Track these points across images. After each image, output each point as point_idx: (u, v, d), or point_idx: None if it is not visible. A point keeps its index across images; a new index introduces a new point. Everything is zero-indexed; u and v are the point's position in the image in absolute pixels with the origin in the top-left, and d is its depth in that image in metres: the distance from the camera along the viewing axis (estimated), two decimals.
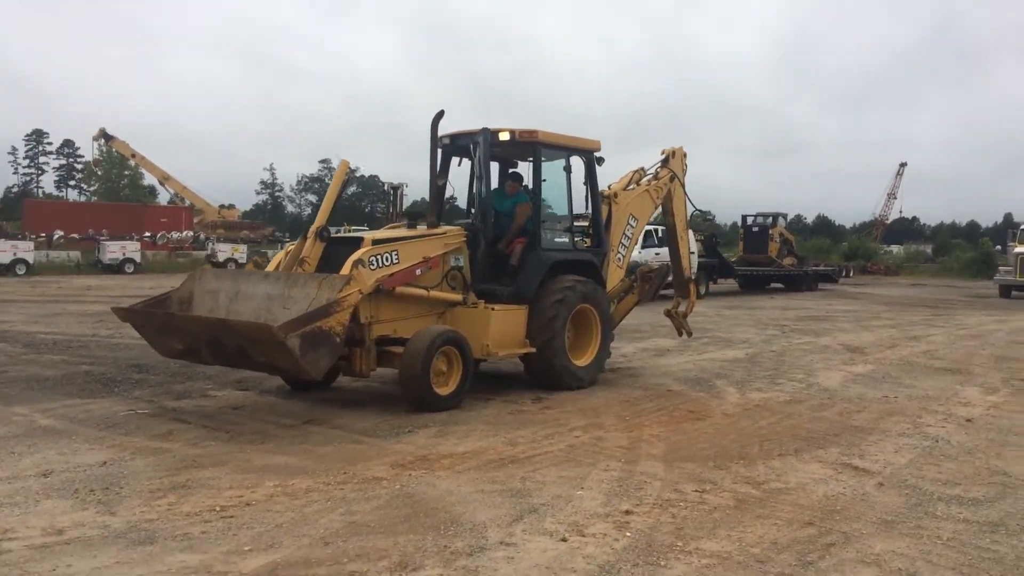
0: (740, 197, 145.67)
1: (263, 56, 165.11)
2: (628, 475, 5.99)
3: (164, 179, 69.72)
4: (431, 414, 7.78)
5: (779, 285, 32.72)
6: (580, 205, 10.41)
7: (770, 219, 33.36)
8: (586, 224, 11.06)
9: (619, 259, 10.85)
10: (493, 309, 8.78)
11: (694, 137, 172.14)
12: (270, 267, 8.47)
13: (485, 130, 9.03)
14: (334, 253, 8.15)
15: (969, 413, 8.44)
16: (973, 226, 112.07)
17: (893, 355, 12.88)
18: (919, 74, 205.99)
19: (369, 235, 8.25)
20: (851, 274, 49.46)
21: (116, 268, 34.43)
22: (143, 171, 68.11)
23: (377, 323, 8.15)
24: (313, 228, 8.21)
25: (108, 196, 71.47)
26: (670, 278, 11.64)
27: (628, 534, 4.78)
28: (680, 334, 12.14)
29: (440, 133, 9.82)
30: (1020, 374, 11.08)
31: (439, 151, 9.97)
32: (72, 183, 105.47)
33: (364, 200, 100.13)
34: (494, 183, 10.95)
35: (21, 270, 31.76)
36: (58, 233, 39.27)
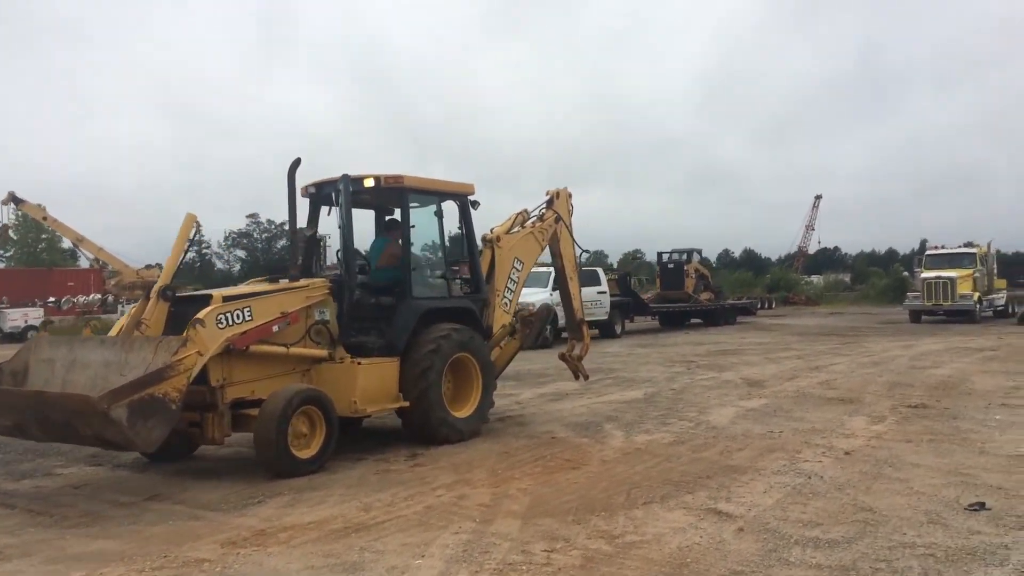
0: (672, 233, 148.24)
1: (192, 112, 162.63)
2: (478, 537, 5.61)
3: (78, 241, 67.58)
4: (290, 480, 7.31)
5: (698, 320, 32.90)
6: (459, 251, 10.17)
7: (685, 255, 33.65)
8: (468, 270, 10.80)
9: (505, 304, 10.55)
10: (359, 363, 8.38)
11: (628, 173, 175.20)
12: (112, 331, 7.95)
13: (345, 176, 8.71)
14: (182, 313, 7.67)
15: (850, 445, 8.29)
16: (892, 253, 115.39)
17: (791, 387, 12.80)
18: (839, 105, 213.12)
19: (218, 292, 7.79)
20: (773, 306, 50.31)
21: (19, 336, 32.97)
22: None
23: (231, 385, 7.68)
24: (156, 287, 7.73)
25: (26, 261, 68.99)
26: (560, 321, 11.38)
27: None
28: (577, 378, 11.86)
29: (309, 181, 9.53)
30: (909, 400, 11.06)
31: (308, 201, 9.67)
32: None
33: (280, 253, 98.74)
34: (372, 233, 10.70)
35: None
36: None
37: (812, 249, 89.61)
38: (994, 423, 9.29)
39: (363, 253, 9.68)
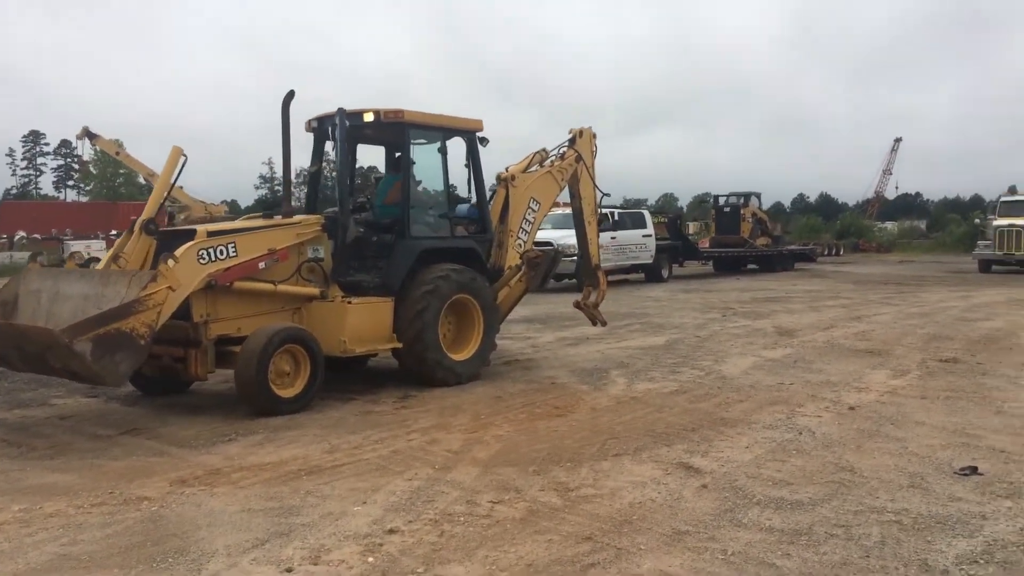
0: (746, 178, 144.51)
1: (266, 51, 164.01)
2: (429, 485, 5.43)
3: (150, 176, 69.35)
4: (268, 419, 7.24)
5: (755, 266, 32.03)
6: (466, 189, 9.87)
7: (742, 199, 32.63)
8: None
9: (520, 244, 10.24)
10: (350, 302, 8.21)
11: (702, 116, 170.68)
12: (101, 264, 7.91)
13: (340, 111, 8.43)
14: (169, 247, 7.56)
15: (858, 400, 7.85)
16: (976, 200, 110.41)
17: (822, 337, 12.26)
18: (929, 46, 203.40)
19: (203, 227, 7.67)
20: (841, 252, 48.72)
21: (82, 267, 33.90)
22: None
23: (215, 321, 7.60)
24: (139, 220, 7.64)
25: (105, 196, 71.04)
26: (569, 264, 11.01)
27: (370, 559, 4.22)
28: (594, 323, 11.48)
29: (313, 116, 9.34)
30: (942, 354, 10.46)
31: (312, 136, 9.46)
32: (71, 184, 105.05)
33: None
34: (383, 169, 10.47)
35: None
36: (20, 234, 38.74)
37: (891, 194, 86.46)
38: None
39: (364, 190, 9.46)
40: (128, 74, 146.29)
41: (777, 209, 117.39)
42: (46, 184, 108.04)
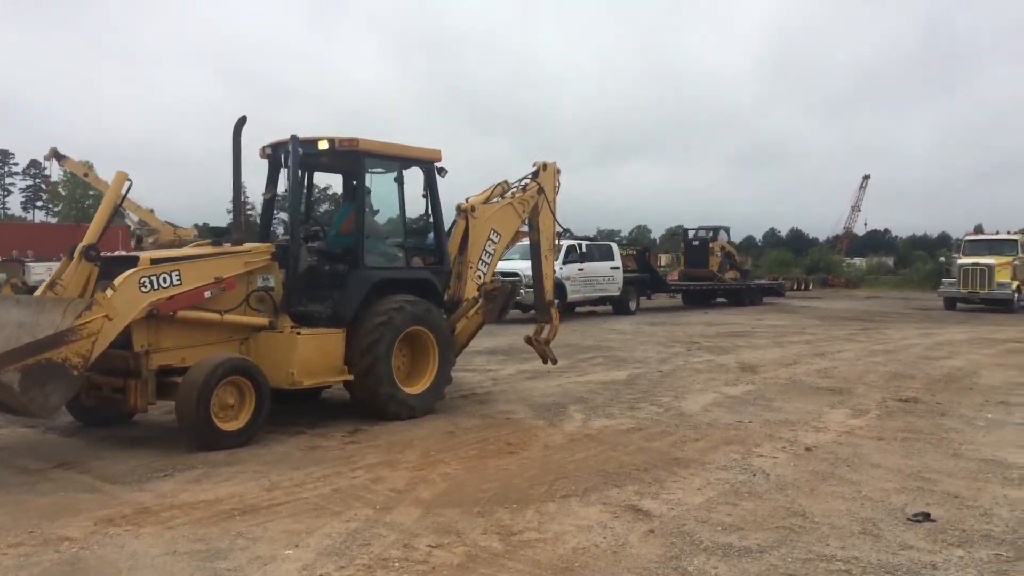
0: (718, 210, 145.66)
1: (245, 73, 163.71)
2: (367, 527, 5.21)
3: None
4: (208, 453, 6.98)
5: (723, 299, 32.09)
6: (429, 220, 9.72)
7: (711, 232, 32.74)
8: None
9: (479, 276, 10.09)
10: (299, 333, 8.00)
11: (679, 147, 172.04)
12: (38, 291, 7.65)
13: (293, 138, 8.27)
14: (111, 274, 7.32)
15: (816, 440, 7.73)
16: (944, 238, 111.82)
17: (784, 374, 12.18)
18: (903, 82, 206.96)
19: (147, 254, 7.44)
20: (810, 287, 49.07)
21: (22, 292, 33.20)
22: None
23: (157, 351, 7.35)
24: (80, 246, 7.40)
25: (75, 217, 70.10)
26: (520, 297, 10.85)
27: None
28: (545, 362, 11.06)
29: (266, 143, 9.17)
30: (902, 393, 10.40)
31: (267, 162, 9.28)
32: (39, 204, 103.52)
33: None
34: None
35: None
36: (14, 253, 37.88)
37: (860, 231, 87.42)
38: (983, 422, 8.64)
39: (319, 219, 9.28)
40: (103, 94, 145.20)
41: (748, 243, 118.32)
42: (14, 204, 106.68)
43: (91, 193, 73.52)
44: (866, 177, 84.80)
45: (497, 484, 6.21)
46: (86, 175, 43.69)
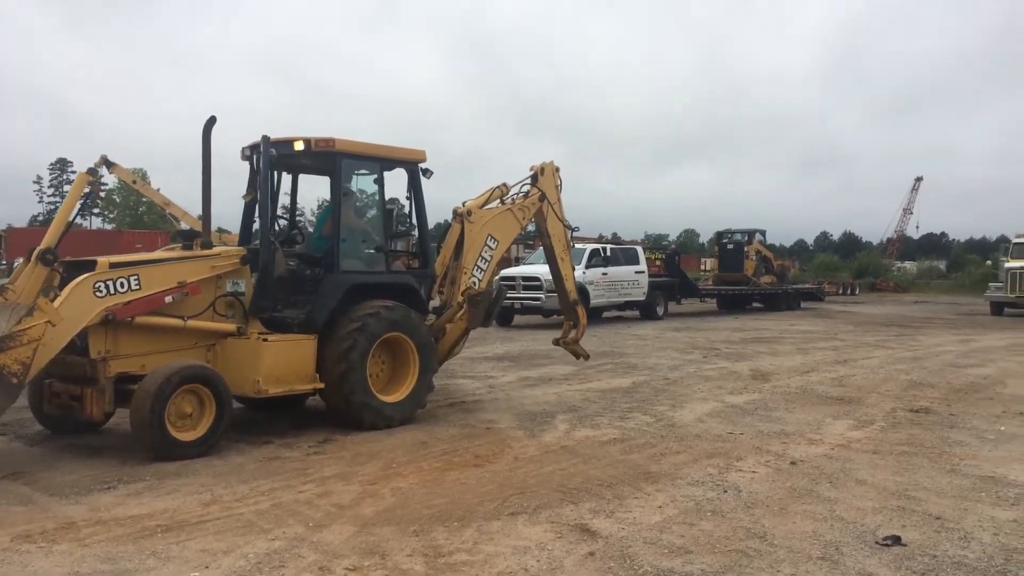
0: (773, 213, 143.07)
1: (298, 76, 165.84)
2: (290, 546, 4.91)
3: (165, 204, 70.19)
4: (161, 464, 6.75)
5: (760, 304, 31.30)
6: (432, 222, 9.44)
7: (745, 236, 31.98)
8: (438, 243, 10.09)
9: (475, 282, 9.77)
10: (265, 340, 7.75)
11: (733, 151, 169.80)
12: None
13: (265, 138, 8.05)
14: (71, 279, 7.15)
15: (805, 453, 7.25)
16: (1002, 241, 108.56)
17: (797, 382, 11.64)
18: (966, 83, 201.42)
19: (106, 258, 7.25)
20: (856, 291, 47.83)
21: None
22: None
23: (116, 358, 7.15)
24: (37, 250, 7.24)
25: (129, 224, 71.65)
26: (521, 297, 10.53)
27: None
28: (577, 358, 11.27)
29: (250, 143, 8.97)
30: (916, 403, 9.82)
31: (248, 164, 9.07)
32: (96, 211, 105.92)
33: None
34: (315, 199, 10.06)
35: None
36: (19, 260, 38.64)
37: (913, 233, 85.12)
38: (993, 435, 8.07)
39: (300, 221, 9.06)
40: (158, 100, 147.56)
41: (800, 247, 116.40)
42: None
43: (144, 200, 75.01)
44: (918, 179, 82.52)
45: (447, 500, 5.87)
46: (134, 183, 44.01)
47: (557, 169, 10.97)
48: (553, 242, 10.85)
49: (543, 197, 10.53)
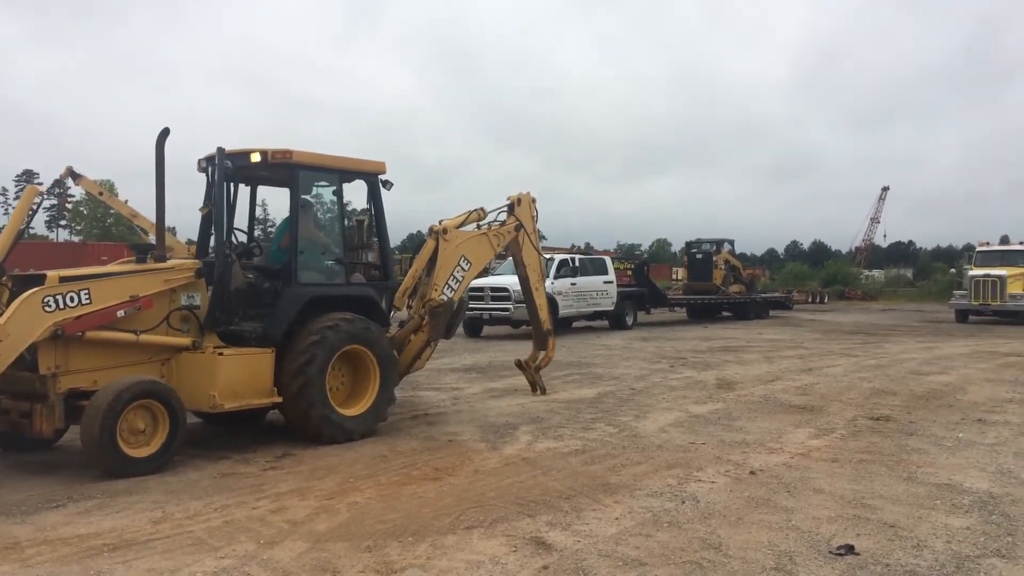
0: (743, 222, 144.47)
1: (272, 87, 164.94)
2: (239, 565, 4.82)
3: (132, 216, 69.40)
4: (113, 482, 6.62)
5: (729, 313, 31.46)
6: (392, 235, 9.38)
7: (714, 246, 32.15)
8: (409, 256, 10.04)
9: (443, 300, 9.69)
10: (220, 354, 7.64)
11: (706, 159, 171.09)
12: None
13: (220, 150, 7.96)
14: (20, 294, 7.00)
15: (765, 463, 7.26)
16: (969, 249, 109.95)
17: (760, 391, 11.67)
18: (935, 94, 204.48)
19: (56, 272, 7.12)
20: (825, 300, 48.27)
21: None
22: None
23: (67, 374, 7.02)
24: None
25: (97, 236, 70.68)
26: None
27: None
28: (534, 390, 11.26)
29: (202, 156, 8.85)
30: (877, 411, 9.88)
31: (205, 177, 8.96)
32: (63, 223, 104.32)
33: None
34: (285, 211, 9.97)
35: None
36: None
37: (881, 242, 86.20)
38: (951, 442, 8.12)
39: (255, 233, 8.96)
40: (129, 111, 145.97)
41: (771, 255, 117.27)
42: (39, 224, 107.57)
43: (112, 212, 74.15)
44: (885, 188, 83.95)
45: (402, 514, 5.80)
46: (100, 194, 43.78)
47: (534, 200, 11.18)
48: (528, 272, 11.00)
49: (519, 227, 10.73)
